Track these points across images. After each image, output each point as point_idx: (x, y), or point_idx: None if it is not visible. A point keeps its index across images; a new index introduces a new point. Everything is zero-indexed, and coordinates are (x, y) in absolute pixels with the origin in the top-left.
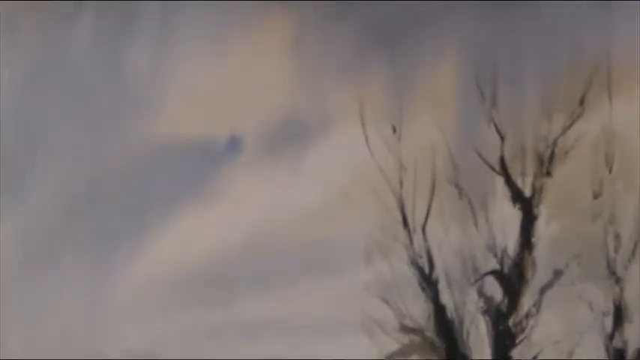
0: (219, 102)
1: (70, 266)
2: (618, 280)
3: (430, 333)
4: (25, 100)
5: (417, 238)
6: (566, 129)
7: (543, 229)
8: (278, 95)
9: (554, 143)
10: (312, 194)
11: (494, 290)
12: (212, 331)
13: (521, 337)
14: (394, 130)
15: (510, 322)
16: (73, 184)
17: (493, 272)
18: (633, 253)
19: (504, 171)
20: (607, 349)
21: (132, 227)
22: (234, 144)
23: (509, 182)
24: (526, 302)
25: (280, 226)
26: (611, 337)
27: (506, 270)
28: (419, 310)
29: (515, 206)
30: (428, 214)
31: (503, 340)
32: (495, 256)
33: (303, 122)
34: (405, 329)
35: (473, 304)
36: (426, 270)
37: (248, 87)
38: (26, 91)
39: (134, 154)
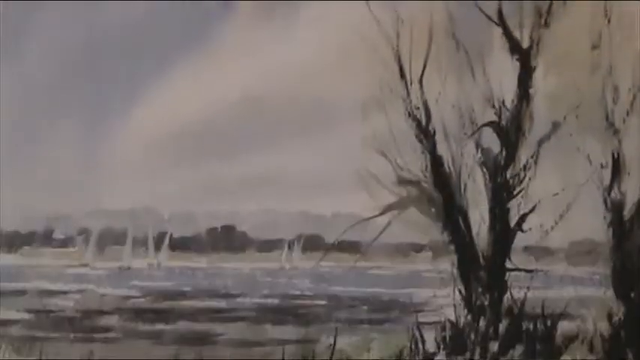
0: None
1: (68, 119)
2: (616, 132)
3: (427, 185)
4: None
5: (414, 90)
6: None
7: (541, 81)
8: None
9: None
10: (309, 49)
11: (492, 142)
12: (210, 185)
13: (518, 189)
14: None
15: (508, 175)
16: (71, 41)
17: (490, 124)
18: (632, 104)
19: (502, 22)
20: (605, 202)
21: (130, 81)
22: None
23: (507, 33)
24: (524, 155)
25: (278, 82)
26: (609, 189)
27: (503, 122)
28: (416, 162)
29: (512, 58)
30: (425, 66)
31: (501, 193)
32: (493, 107)
33: None
34: (402, 182)
35: (470, 156)
36: (423, 122)
37: None
38: None
39: (129, 17)
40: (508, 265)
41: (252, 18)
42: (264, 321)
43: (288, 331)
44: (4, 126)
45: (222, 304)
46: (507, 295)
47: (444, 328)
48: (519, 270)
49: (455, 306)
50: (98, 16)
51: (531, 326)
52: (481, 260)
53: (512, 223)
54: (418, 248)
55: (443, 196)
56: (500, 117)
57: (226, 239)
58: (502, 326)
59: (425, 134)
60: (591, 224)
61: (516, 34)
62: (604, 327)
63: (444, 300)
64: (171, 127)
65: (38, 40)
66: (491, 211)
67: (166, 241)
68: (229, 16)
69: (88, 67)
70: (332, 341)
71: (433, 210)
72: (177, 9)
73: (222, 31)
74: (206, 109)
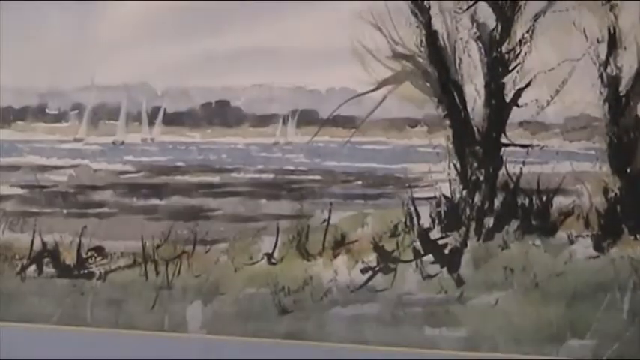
0: None
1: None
2: (613, 7)
3: (422, 60)
4: None
5: None
6: None
7: None
8: None
9: None
10: None
11: (488, 17)
12: (205, 60)
13: (514, 64)
14: None
15: (503, 49)
16: None
17: None
18: None
19: None
20: (601, 76)
21: None
22: None
23: None
24: (519, 29)
25: None
26: (605, 64)
27: None
28: (411, 36)
29: None
30: None
31: (496, 67)
32: None
33: None
34: (397, 56)
35: (466, 30)
36: None
37: None
38: None
39: None
40: (503, 140)
41: None
42: (259, 196)
43: (283, 206)
44: None
45: (216, 179)
46: (503, 171)
47: (439, 204)
48: (515, 145)
49: (450, 181)
50: None
51: (527, 201)
52: (476, 135)
53: (508, 98)
54: (413, 123)
55: (438, 70)
56: None
57: (220, 114)
58: (497, 201)
59: (420, 8)
60: (587, 99)
61: None
62: (599, 202)
63: (439, 175)
64: (163, 2)
65: None
66: (487, 85)
67: (160, 116)
68: None
69: None
70: (326, 216)
71: (428, 85)
72: None
73: None
74: None
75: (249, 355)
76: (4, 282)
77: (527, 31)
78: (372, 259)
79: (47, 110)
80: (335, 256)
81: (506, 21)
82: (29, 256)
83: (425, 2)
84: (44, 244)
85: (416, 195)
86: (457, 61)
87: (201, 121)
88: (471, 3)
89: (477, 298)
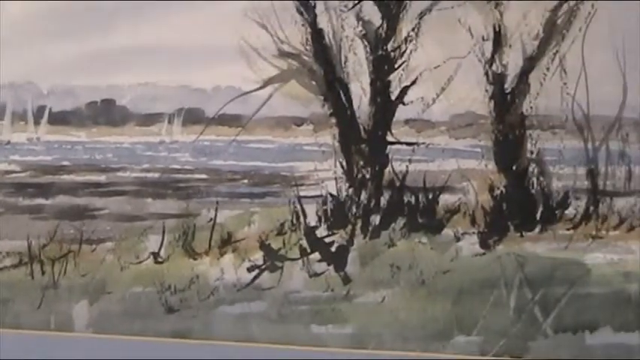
0: None
1: None
2: (498, 5)
3: (308, 58)
4: None
5: None
6: None
7: None
8: None
9: None
10: None
11: (373, 14)
12: (90, 58)
13: (399, 62)
14: None
15: (389, 47)
16: None
17: None
18: None
19: None
20: (486, 74)
21: None
22: None
23: None
24: (405, 27)
25: None
26: (490, 61)
27: None
28: (297, 35)
29: None
30: None
31: (382, 65)
32: None
33: None
34: (283, 54)
35: (351, 28)
36: None
37: None
38: None
39: None
40: (389, 138)
41: None
42: (144, 195)
43: (169, 205)
44: None
45: (102, 178)
46: (389, 169)
47: (325, 202)
48: (401, 143)
49: (336, 179)
50: None
51: (413, 199)
52: (362, 133)
53: (394, 96)
54: (299, 121)
55: (324, 69)
56: None
57: (106, 113)
58: (383, 199)
59: (305, 6)
60: (473, 97)
61: None
62: (486, 199)
63: (325, 173)
64: (49, 1)
65: None
66: (373, 84)
67: (46, 115)
68: None
69: None
70: (213, 215)
71: (314, 83)
72: None
73: None
74: None
75: (135, 355)
76: None
77: (413, 29)
78: (258, 257)
79: None
80: (221, 255)
81: (392, 19)
82: None
83: (310, 1)
84: None
85: (302, 193)
86: (343, 59)
87: (86, 120)
88: (357, 1)
89: (364, 295)
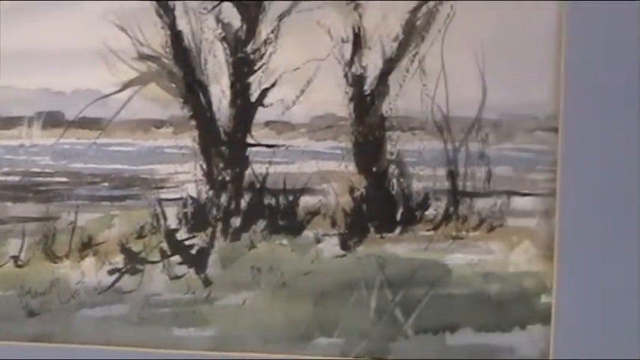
0: None
1: None
2: (357, 6)
3: (168, 60)
4: None
5: None
6: None
7: None
8: None
9: None
10: None
11: (233, 17)
12: None
13: (259, 64)
14: None
15: (249, 49)
16: None
17: None
18: None
19: None
20: (346, 76)
21: None
22: None
23: None
24: (264, 29)
25: None
26: (350, 63)
27: None
28: (156, 37)
29: None
30: None
31: (242, 67)
32: None
33: None
34: (142, 57)
35: (211, 31)
36: None
37: None
38: None
39: None
40: (249, 140)
41: None
42: (5, 198)
43: (29, 209)
44: None
45: None
46: (249, 171)
47: (185, 204)
48: (260, 145)
49: (196, 182)
50: None
51: (273, 201)
52: (222, 135)
53: (254, 98)
54: (159, 124)
55: (183, 71)
56: None
57: None
58: (244, 202)
59: (165, 9)
60: (333, 99)
61: None
62: (346, 201)
63: (185, 176)
64: None
65: None
66: (232, 86)
67: None
68: None
69: None
70: (73, 218)
71: (174, 85)
72: None
73: None
74: None
75: None
76: None
77: (272, 31)
78: (118, 260)
79: None
80: (82, 258)
81: (251, 21)
82: None
83: (169, 3)
84: None
85: (162, 196)
86: (203, 61)
87: None
88: (216, 3)
89: (225, 298)
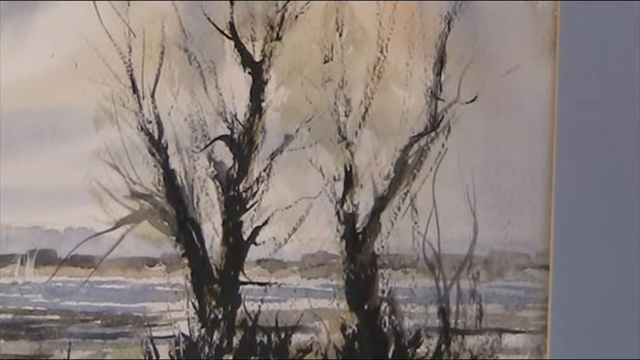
0: None
1: None
2: (349, 145)
3: (160, 199)
4: None
5: (147, 104)
6: None
7: (273, 94)
8: None
9: (284, 8)
10: (40, 61)
11: (225, 155)
12: None
13: (251, 202)
14: None
15: (241, 188)
16: None
17: (223, 137)
18: (363, 117)
19: (234, 35)
20: (338, 214)
21: None
22: None
23: (239, 47)
24: (256, 168)
25: (8, 93)
26: (341, 201)
27: (236, 135)
28: (149, 176)
29: (245, 71)
30: (157, 79)
31: (234, 206)
32: (225, 121)
33: None
34: (135, 195)
35: (203, 169)
36: (156, 136)
37: None
38: None
39: None
40: (242, 278)
41: None
42: None
43: (22, 346)
44: None
45: None
46: (241, 308)
47: (177, 342)
48: (252, 283)
49: (189, 319)
50: None
51: (265, 339)
52: (215, 274)
53: (246, 236)
54: (151, 262)
55: (176, 209)
56: (232, 130)
57: None
58: (236, 339)
59: (157, 148)
60: (324, 237)
61: (248, 47)
62: (338, 338)
63: (177, 314)
64: None
65: None
66: (225, 224)
67: None
68: None
69: None
70: (65, 356)
71: (166, 223)
72: None
73: None
74: None
75: None
76: None
77: (265, 170)
78: None
79: None
80: None
81: (244, 159)
82: None
83: (162, 141)
84: None
85: (155, 334)
86: (195, 199)
87: None
88: (209, 142)
89: None
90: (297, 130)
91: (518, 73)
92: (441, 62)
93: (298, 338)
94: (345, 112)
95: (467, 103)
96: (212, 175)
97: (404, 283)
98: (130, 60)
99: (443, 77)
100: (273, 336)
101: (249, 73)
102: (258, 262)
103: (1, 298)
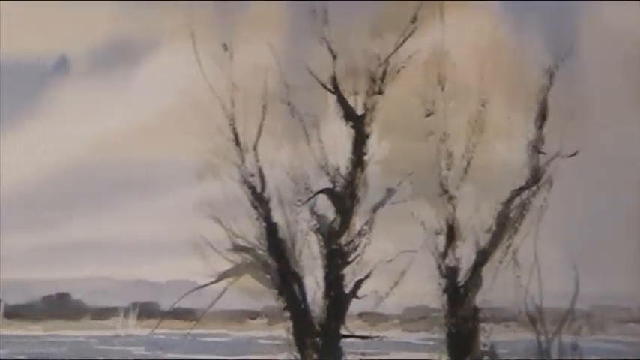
0: (49, 23)
1: None
2: (451, 199)
3: (262, 252)
4: None
5: (249, 157)
6: (397, 47)
7: (375, 148)
8: (107, 17)
9: (386, 61)
10: (142, 114)
11: (327, 209)
12: (45, 251)
13: (353, 255)
14: (225, 49)
15: (343, 241)
16: None
17: (325, 191)
18: (465, 171)
19: (336, 89)
20: (439, 267)
21: None
22: (62, 63)
23: (341, 100)
24: (358, 221)
25: (110, 147)
26: (443, 255)
27: (338, 188)
28: (251, 229)
29: (347, 125)
30: (259, 133)
31: (336, 259)
32: (327, 174)
33: (133, 43)
34: (237, 248)
35: (305, 222)
36: (258, 189)
37: (78, 8)
38: None
39: None
40: (343, 331)
41: (86, 79)
42: None
43: None
44: None
45: None
46: None
47: None
48: (354, 336)
49: None
50: None
51: None
52: (316, 326)
53: (348, 289)
54: (253, 315)
55: (278, 262)
56: (334, 184)
57: (61, 306)
58: None
59: (259, 201)
60: (426, 290)
61: (350, 100)
62: None
63: None
64: (2, 192)
65: None
66: (327, 277)
67: (1, 309)
68: (63, 78)
69: None
70: None
71: (268, 277)
72: (9, 69)
73: (56, 93)
74: (38, 174)
75: None
76: None
77: (366, 223)
78: None
79: None
80: None
81: (346, 213)
82: None
83: (264, 194)
84: None
85: None
86: (297, 253)
87: (42, 313)
88: (311, 195)
89: None
90: (399, 184)
91: (621, 124)
92: (542, 115)
93: None
94: (447, 165)
95: (569, 156)
96: (314, 229)
97: (505, 337)
98: (232, 113)
99: (544, 130)
100: None
101: (351, 126)
102: (360, 315)
103: (104, 350)
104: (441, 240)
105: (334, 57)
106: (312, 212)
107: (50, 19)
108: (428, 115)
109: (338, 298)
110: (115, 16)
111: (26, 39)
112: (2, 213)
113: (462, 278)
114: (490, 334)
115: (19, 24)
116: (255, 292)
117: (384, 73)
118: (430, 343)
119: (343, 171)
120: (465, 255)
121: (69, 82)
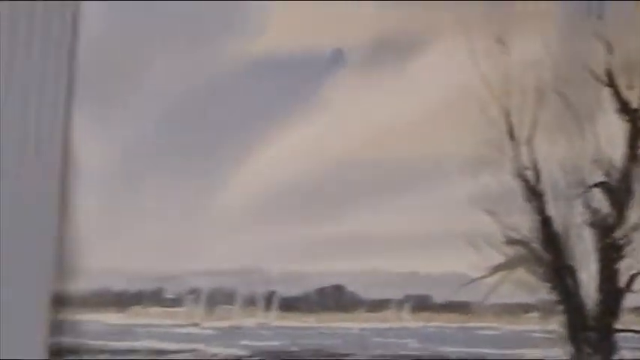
0: (324, 15)
1: (166, 182)
2: None
3: (536, 245)
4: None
5: (523, 150)
6: None
7: None
8: (383, 9)
9: None
10: (416, 107)
11: (601, 202)
12: (318, 244)
13: (628, 249)
14: (500, 42)
15: (617, 235)
16: (173, 101)
17: (600, 184)
18: None
19: (611, 83)
20: None
21: (233, 141)
22: (338, 57)
23: (616, 94)
24: (633, 214)
25: (383, 140)
26: None
27: (612, 182)
28: (525, 222)
29: (621, 118)
30: (534, 126)
31: (610, 253)
32: (601, 168)
33: (407, 36)
34: (510, 241)
35: (579, 216)
36: (532, 182)
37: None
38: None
39: (236, 69)
40: (618, 325)
41: (359, 75)
42: None
43: None
44: (108, 179)
45: None
46: (617, 357)
47: None
48: (630, 331)
49: None
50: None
51: None
52: (590, 321)
53: (622, 283)
54: (526, 308)
55: (551, 256)
56: (609, 177)
57: (335, 298)
58: None
59: (534, 194)
60: None
61: (626, 94)
62: None
63: None
64: (277, 186)
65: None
66: (600, 271)
67: (275, 300)
68: (337, 73)
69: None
70: None
71: (541, 270)
72: (285, 66)
73: (330, 88)
74: (314, 166)
75: None
76: None
77: None
78: None
79: (163, 295)
80: None
81: (620, 206)
82: None
83: (539, 188)
84: None
85: None
86: (570, 246)
87: (316, 305)
88: (586, 189)
89: None
90: None
91: None
92: None
93: None
94: None
95: None
96: (588, 222)
97: None
98: (507, 106)
99: None
100: None
101: (626, 120)
102: (635, 309)
103: (377, 343)
104: None
105: (609, 51)
106: (587, 206)
107: (324, 12)
108: None
109: (612, 292)
110: (389, 10)
111: (299, 33)
112: (277, 204)
113: None
114: None
115: (292, 18)
116: (529, 286)
117: None
118: None
119: (618, 164)
120: None
121: (343, 76)
